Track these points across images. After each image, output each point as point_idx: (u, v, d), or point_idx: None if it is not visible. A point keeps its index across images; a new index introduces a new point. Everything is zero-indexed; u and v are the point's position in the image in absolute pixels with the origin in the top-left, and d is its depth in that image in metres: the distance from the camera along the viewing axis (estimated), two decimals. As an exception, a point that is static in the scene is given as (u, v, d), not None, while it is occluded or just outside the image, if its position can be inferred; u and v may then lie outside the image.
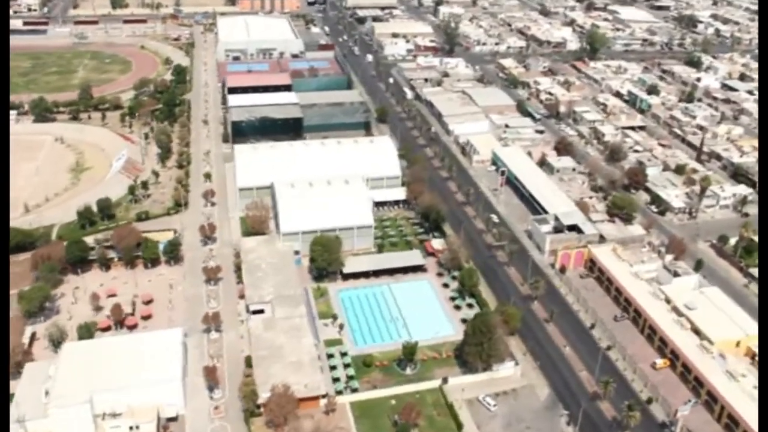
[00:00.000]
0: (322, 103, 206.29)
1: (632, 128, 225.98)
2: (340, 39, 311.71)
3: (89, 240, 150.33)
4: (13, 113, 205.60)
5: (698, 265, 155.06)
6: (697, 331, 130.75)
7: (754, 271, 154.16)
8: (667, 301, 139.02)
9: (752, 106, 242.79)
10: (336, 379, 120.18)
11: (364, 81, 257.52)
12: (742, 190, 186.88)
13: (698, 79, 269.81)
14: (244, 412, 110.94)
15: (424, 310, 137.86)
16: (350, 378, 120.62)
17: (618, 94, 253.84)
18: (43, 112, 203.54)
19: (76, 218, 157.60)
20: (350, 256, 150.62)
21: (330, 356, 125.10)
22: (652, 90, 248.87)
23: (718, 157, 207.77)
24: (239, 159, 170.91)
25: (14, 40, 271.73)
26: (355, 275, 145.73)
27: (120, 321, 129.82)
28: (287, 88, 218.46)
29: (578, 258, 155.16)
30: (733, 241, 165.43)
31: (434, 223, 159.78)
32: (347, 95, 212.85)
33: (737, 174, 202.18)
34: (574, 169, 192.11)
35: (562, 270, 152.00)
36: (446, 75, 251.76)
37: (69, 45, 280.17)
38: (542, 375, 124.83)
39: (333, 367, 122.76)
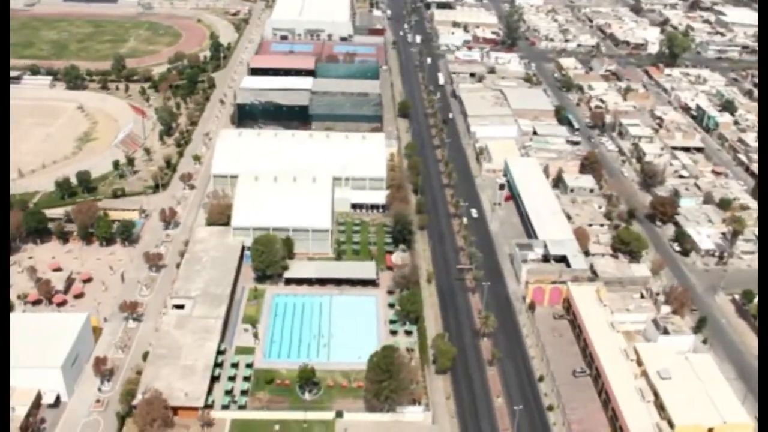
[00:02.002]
0: (336, 91, 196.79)
1: (687, 149, 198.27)
2: (405, 24, 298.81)
3: (60, 212, 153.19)
4: (48, 78, 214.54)
5: (701, 324, 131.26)
6: (662, 407, 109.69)
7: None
8: (639, 363, 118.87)
9: None
10: (229, 392, 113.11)
11: (406, 71, 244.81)
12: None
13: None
14: (117, 413, 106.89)
15: (356, 330, 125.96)
16: (243, 393, 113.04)
17: (686, 108, 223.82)
18: (74, 80, 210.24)
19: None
20: (305, 259, 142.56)
21: (234, 365, 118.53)
22: (728, 106, 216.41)
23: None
24: (220, 144, 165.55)
25: (83, 7, 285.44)
26: (299, 281, 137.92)
27: (49, 297, 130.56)
28: (310, 73, 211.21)
29: (554, 295, 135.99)
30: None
31: (401, 234, 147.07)
32: (366, 85, 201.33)
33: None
34: (591, 190, 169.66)
35: (532, 307, 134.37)
36: (492, 71, 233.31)
37: (133, 15, 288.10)
38: (458, 426, 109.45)
39: (232, 378, 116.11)
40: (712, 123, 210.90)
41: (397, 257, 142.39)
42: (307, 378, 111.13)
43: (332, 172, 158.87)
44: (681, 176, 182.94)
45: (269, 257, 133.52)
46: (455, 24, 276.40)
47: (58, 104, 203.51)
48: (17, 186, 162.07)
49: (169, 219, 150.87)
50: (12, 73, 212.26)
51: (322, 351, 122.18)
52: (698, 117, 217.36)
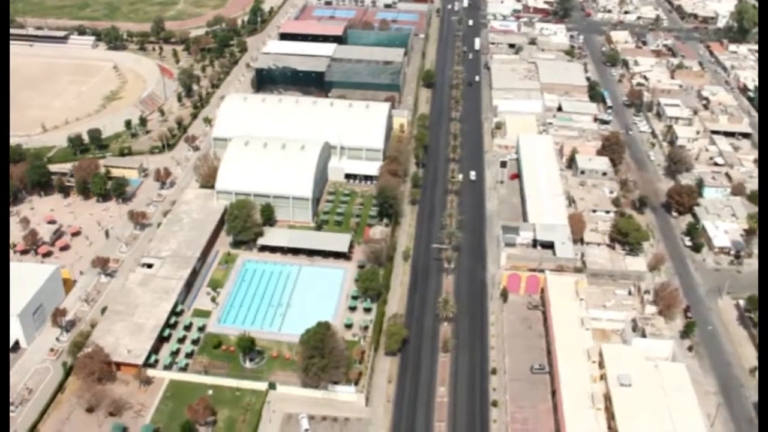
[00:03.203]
0: (357, 59, 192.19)
1: (732, 134, 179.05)
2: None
3: (69, 167, 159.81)
4: (91, 39, 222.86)
5: (688, 329, 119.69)
6: (613, 417, 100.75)
7: None
8: (602, 365, 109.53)
9: None
10: (175, 352, 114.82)
11: (444, 40, 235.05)
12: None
13: None
14: (63, 363, 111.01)
15: (315, 303, 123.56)
16: (189, 355, 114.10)
17: (744, 90, 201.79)
18: (113, 41, 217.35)
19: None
20: (286, 227, 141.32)
21: (187, 328, 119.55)
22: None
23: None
24: (224, 107, 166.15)
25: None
26: (273, 249, 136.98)
27: (35, 247, 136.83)
28: (338, 39, 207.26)
29: (531, 283, 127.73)
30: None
31: (385, 207, 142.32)
32: (391, 54, 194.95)
33: None
34: (605, 174, 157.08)
35: (504, 294, 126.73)
36: (533, 42, 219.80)
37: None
38: (391, 412, 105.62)
39: (182, 339, 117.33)
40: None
41: (376, 231, 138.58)
42: (245, 346, 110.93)
43: (329, 140, 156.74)
44: (716, 164, 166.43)
45: (242, 223, 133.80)
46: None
47: (96, 63, 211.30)
48: (36, 141, 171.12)
49: (163, 179, 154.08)
50: (59, 33, 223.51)
51: (276, 321, 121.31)
52: (755, 99, 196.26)
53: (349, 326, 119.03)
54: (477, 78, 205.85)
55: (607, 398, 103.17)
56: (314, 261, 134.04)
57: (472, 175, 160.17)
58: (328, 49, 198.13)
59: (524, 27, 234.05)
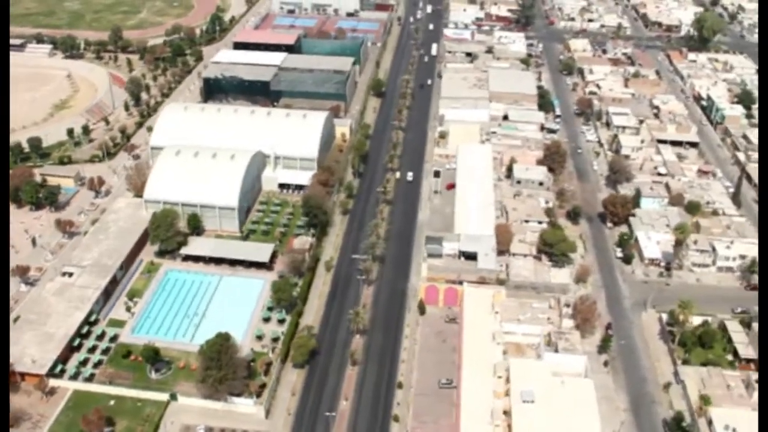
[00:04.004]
0: (304, 68, 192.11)
1: (680, 143, 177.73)
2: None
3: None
4: (48, 47, 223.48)
5: (604, 345, 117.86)
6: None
7: (688, 371, 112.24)
8: (508, 381, 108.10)
9: None
10: (83, 362, 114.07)
11: (401, 49, 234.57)
12: (757, 251, 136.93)
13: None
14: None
15: (230, 314, 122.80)
16: (96, 365, 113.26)
17: (698, 98, 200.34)
18: (69, 49, 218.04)
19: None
20: (213, 236, 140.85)
21: (99, 337, 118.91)
22: (744, 98, 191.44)
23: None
24: (163, 117, 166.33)
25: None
26: (197, 258, 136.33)
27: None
28: (290, 48, 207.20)
29: (450, 296, 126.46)
30: (698, 320, 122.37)
31: (312, 217, 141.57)
32: (339, 62, 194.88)
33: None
34: (541, 183, 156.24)
35: (421, 307, 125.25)
36: (490, 50, 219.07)
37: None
38: (291, 425, 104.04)
39: (93, 349, 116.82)
40: (719, 116, 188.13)
41: (299, 241, 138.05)
42: (148, 357, 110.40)
43: (265, 149, 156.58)
44: (659, 173, 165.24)
45: (164, 232, 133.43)
46: (471, 0, 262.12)
47: (51, 72, 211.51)
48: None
49: (97, 188, 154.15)
50: (16, 42, 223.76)
51: (189, 331, 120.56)
52: (708, 108, 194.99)
53: (260, 337, 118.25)
54: (429, 81, 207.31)
55: (508, 414, 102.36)
56: (236, 271, 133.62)
57: (409, 176, 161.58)
58: (279, 58, 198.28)
59: (484, 35, 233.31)
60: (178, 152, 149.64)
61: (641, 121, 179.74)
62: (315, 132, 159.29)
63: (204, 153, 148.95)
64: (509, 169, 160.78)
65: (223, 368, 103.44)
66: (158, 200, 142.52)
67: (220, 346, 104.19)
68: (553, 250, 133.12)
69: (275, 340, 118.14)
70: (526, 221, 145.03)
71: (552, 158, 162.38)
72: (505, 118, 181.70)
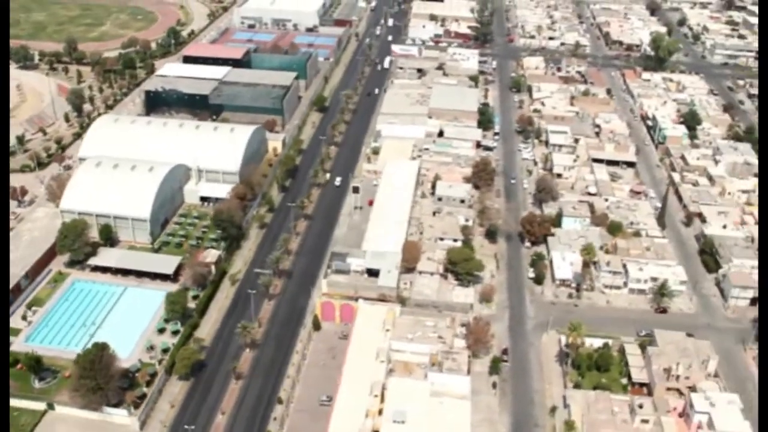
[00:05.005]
0: (246, 82, 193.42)
1: (616, 163, 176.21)
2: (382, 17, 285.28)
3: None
4: None
5: (493, 366, 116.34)
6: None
7: (576, 395, 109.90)
8: (383, 399, 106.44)
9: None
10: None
11: (354, 65, 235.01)
12: (670, 273, 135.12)
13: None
14: None
15: (128, 324, 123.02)
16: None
17: (645, 118, 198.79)
18: (23, 60, 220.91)
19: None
20: (127, 248, 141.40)
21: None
22: (690, 119, 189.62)
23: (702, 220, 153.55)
24: (93, 128, 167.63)
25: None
26: (106, 269, 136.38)
27: None
28: (237, 63, 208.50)
29: (346, 312, 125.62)
30: (598, 343, 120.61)
31: (223, 230, 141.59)
32: (281, 77, 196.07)
33: (704, 251, 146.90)
34: (463, 201, 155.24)
35: (316, 323, 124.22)
36: (440, 67, 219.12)
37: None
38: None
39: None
40: (661, 136, 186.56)
41: (206, 254, 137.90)
42: (30, 365, 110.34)
43: (188, 162, 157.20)
44: (589, 193, 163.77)
45: (70, 242, 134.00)
46: (432, 17, 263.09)
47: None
48: None
49: (20, 197, 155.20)
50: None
51: (83, 341, 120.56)
52: (653, 128, 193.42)
53: (151, 348, 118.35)
54: (377, 90, 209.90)
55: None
56: (142, 282, 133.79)
57: (337, 181, 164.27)
58: (223, 72, 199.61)
59: (437, 52, 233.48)
60: (99, 163, 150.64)
61: (576, 140, 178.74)
62: (239, 146, 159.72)
63: (124, 165, 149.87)
64: (434, 186, 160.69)
65: (97, 378, 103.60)
66: (74, 210, 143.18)
67: (94, 355, 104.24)
68: (457, 268, 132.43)
69: (165, 351, 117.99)
70: (441, 239, 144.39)
71: (479, 176, 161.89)
72: (441, 134, 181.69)
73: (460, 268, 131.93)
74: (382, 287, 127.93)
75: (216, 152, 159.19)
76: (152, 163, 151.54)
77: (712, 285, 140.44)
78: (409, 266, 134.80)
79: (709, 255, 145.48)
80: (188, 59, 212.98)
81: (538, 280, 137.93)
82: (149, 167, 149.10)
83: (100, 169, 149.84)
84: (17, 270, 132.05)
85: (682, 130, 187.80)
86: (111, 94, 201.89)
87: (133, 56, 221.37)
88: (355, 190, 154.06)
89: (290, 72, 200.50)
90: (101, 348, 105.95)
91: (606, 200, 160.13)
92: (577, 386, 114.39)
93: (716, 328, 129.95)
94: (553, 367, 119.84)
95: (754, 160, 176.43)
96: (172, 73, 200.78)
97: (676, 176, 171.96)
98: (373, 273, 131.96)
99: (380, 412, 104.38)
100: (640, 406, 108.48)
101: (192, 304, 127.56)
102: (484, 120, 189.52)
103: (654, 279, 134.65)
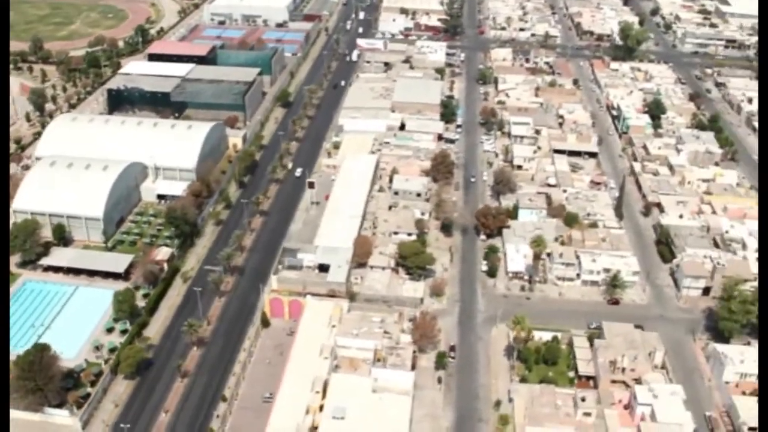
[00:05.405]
0: (208, 79, 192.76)
1: (578, 153, 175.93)
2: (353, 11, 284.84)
3: None
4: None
5: (439, 361, 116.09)
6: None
7: (521, 388, 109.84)
8: (325, 395, 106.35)
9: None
10: None
11: (321, 60, 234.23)
12: (623, 264, 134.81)
13: (750, 100, 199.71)
14: None
15: (77, 324, 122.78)
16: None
17: (610, 108, 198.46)
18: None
19: None
20: (81, 247, 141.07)
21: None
22: (654, 108, 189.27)
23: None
24: (50, 127, 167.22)
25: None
26: (58, 269, 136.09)
27: None
28: (203, 60, 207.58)
29: (295, 308, 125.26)
30: (547, 336, 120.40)
31: (175, 228, 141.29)
32: (244, 74, 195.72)
33: (660, 241, 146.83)
34: (419, 195, 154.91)
35: (264, 319, 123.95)
36: (407, 60, 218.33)
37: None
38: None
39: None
40: (625, 126, 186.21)
41: (160, 252, 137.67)
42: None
43: (145, 160, 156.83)
44: (548, 184, 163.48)
45: (21, 242, 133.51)
46: (403, 10, 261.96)
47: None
48: None
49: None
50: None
51: (31, 341, 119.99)
52: (618, 117, 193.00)
53: (98, 348, 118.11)
54: (343, 83, 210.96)
55: (317, 431, 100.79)
56: (94, 281, 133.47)
57: (298, 172, 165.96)
58: (186, 69, 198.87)
59: (406, 45, 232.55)
60: (53, 163, 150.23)
61: (538, 131, 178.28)
62: (196, 143, 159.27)
63: (78, 164, 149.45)
64: (392, 180, 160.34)
65: (36, 379, 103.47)
66: (26, 210, 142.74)
67: (34, 356, 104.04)
68: (407, 262, 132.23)
69: (112, 350, 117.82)
70: (395, 233, 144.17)
71: (437, 169, 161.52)
72: (402, 128, 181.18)
73: (410, 262, 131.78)
74: (331, 283, 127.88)
75: (173, 150, 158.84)
76: (108, 162, 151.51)
77: (667, 275, 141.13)
78: (361, 261, 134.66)
79: (665, 245, 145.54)
80: (153, 57, 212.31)
81: (491, 273, 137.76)
82: (103, 166, 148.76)
83: (54, 169, 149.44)
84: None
85: (646, 119, 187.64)
86: (74, 93, 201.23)
87: (99, 55, 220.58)
88: (311, 185, 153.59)
89: (252, 68, 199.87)
90: (41, 349, 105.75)
91: (564, 191, 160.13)
92: (523, 380, 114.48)
93: (668, 318, 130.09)
94: (501, 361, 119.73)
95: (716, 149, 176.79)
96: (136, 71, 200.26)
97: (637, 166, 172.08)
98: (324, 268, 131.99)
99: (321, 408, 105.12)
100: (583, 399, 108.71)
101: (142, 303, 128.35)
102: (447, 113, 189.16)
103: (607, 270, 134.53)
